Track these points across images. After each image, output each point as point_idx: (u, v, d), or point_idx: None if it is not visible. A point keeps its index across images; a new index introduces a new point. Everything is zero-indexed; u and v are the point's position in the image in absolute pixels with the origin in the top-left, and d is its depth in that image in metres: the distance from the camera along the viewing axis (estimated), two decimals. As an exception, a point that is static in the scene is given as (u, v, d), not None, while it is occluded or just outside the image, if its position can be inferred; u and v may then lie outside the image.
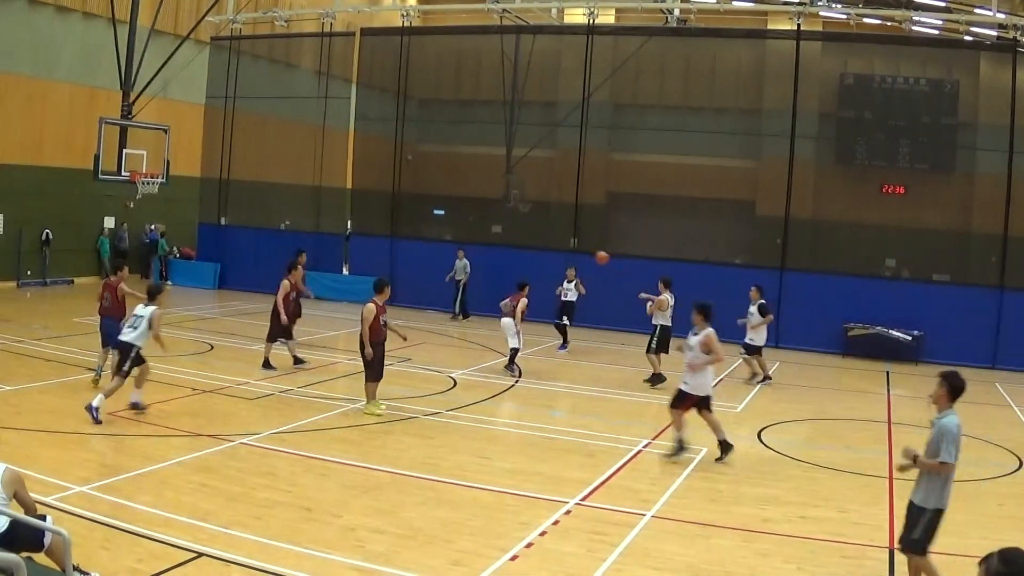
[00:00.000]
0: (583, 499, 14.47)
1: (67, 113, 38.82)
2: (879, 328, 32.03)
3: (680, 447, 17.04)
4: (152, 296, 18.61)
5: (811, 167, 35.68)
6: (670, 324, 24.34)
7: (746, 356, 26.52)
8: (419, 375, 24.34)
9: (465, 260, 35.14)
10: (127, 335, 18.23)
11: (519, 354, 25.44)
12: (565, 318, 29.73)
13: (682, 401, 17.35)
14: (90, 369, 21.36)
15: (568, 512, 13.81)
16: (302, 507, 13.39)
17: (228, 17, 41.52)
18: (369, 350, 19.25)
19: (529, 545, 12.32)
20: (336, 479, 14.95)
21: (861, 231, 35.34)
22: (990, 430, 21.53)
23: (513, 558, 11.83)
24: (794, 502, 15.02)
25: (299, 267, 25.33)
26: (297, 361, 23.99)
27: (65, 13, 38.67)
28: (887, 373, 29.46)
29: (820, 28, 38.83)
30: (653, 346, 24.48)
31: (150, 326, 18.15)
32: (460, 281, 35.09)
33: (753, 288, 26.68)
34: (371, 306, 19.31)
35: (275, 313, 23.99)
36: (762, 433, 19.91)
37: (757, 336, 26.06)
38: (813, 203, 35.61)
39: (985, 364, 30.84)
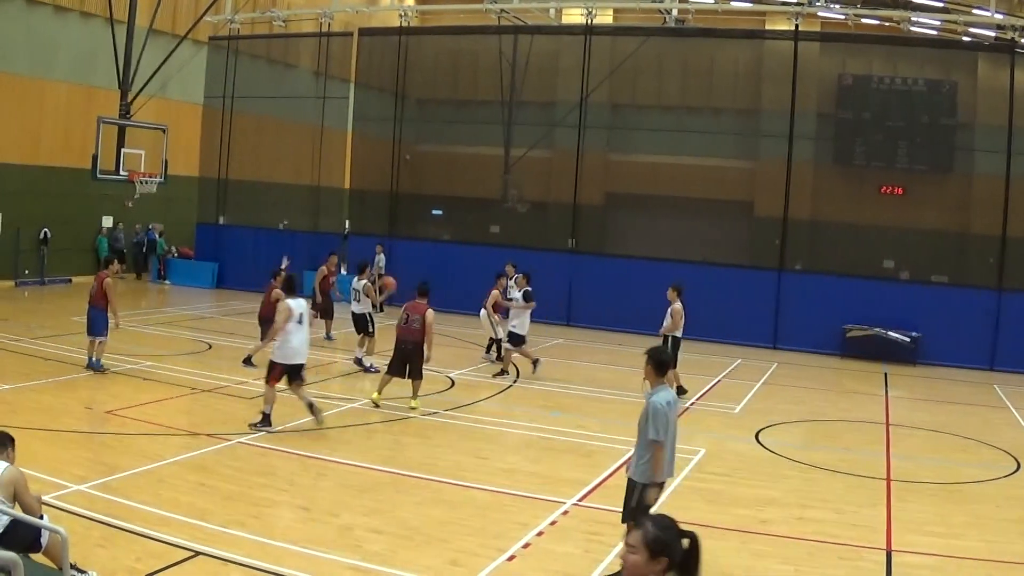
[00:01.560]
0: (580, 499, 14.48)
1: (65, 112, 38.84)
2: (877, 329, 32.04)
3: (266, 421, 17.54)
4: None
5: (809, 168, 35.69)
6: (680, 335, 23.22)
7: (509, 346, 25.31)
8: None
9: (381, 255, 35.63)
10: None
11: (524, 345, 25.44)
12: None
13: (271, 371, 17.82)
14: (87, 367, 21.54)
15: (565, 512, 13.83)
16: (300, 506, 13.46)
17: (226, 17, 41.54)
18: (430, 354, 19.94)
19: (526, 545, 12.34)
20: (334, 478, 14.97)
21: (859, 232, 35.34)
22: (988, 432, 21.60)
23: (510, 558, 11.85)
24: (792, 503, 15.02)
25: (331, 267, 28.27)
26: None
27: (63, 13, 38.71)
28: (885, 374, 29.48)
29: (818, 29, 38.80)
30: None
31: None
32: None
33: (521, 279, 26.18)
34: (431, 311, 19.96)
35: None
36: (760, 434, 19.89)
37: (520, 324, 24.98)
38: (811, 204, 35.62)
39: (983, 366, 30.88)
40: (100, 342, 22.12)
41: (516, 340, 24.93)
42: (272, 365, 17.79)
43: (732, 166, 38.71)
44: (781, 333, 32.61)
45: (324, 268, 27.90)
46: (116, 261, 23.52)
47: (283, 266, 27.55)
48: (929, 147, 36.26)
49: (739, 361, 29.69)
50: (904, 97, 36.39)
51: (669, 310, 23.00)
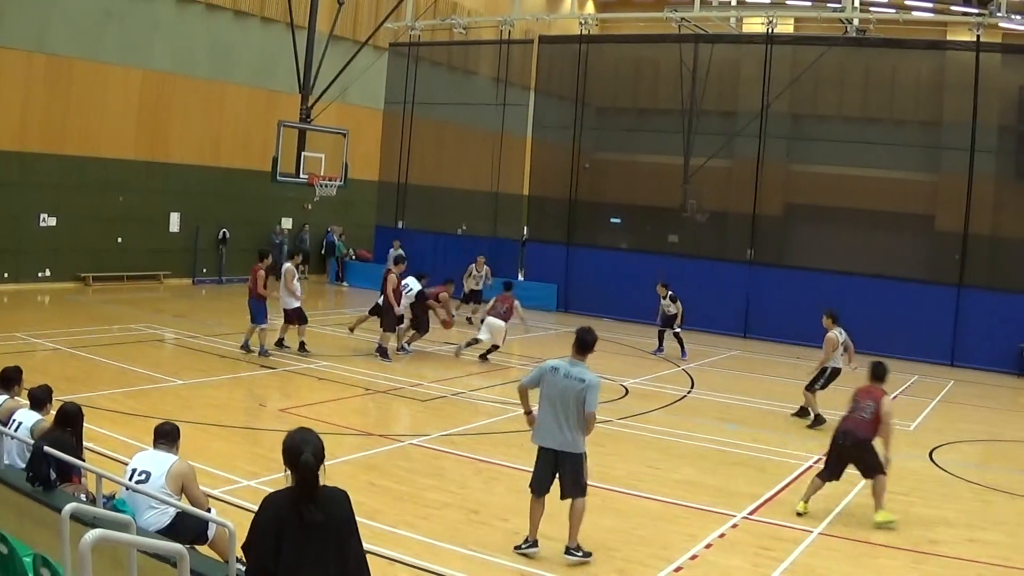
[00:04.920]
0: (751, 513, 14.58)
1: (245, 116, 40.21)
2: (1059, 346, 31.48)
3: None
4: None
5: (991, 181, 35.08)
6: (841, 366, 21.70)
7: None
8: None
9: (400, 251, 34.60)
10: None
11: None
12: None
13: None
14: (262, 365, 22.74)
15: (735, 526, 13.94)
16: (470, 509, 13.79)
17: (407, 24, 42.34)
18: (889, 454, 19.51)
19: (694, 557, 12.50)
20: (505, 483, 15.26)
21: (1040, 248, 34.69)
22: None
23: (677, 569, 12.03)
24: (963, 524, 14.99)
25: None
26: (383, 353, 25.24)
27: (243, 18, 40.12)
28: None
29: (1000, 40, 38.18)
30: (818, 387, 21.60)
31: None
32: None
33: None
34: (888, 398, 19.36)
35: (388, 306, 25.41)
36: (934, 452, 19.80)
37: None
38: (992, 218, 35.02)
39: None
40: (261, 329, 23.20)
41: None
42: None
43: (913, 179, 38.22)
44: (959, 350, 32.14)
45: (394, 276, 26.58)
46: (269, 256, 25.47)
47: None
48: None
49: (915, 377, 29.38)
50: (1089, 109, 35.63)
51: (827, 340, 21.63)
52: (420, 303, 26.66)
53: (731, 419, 21.67)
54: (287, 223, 43.30)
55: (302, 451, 6.73)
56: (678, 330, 29.13)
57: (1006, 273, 34.36)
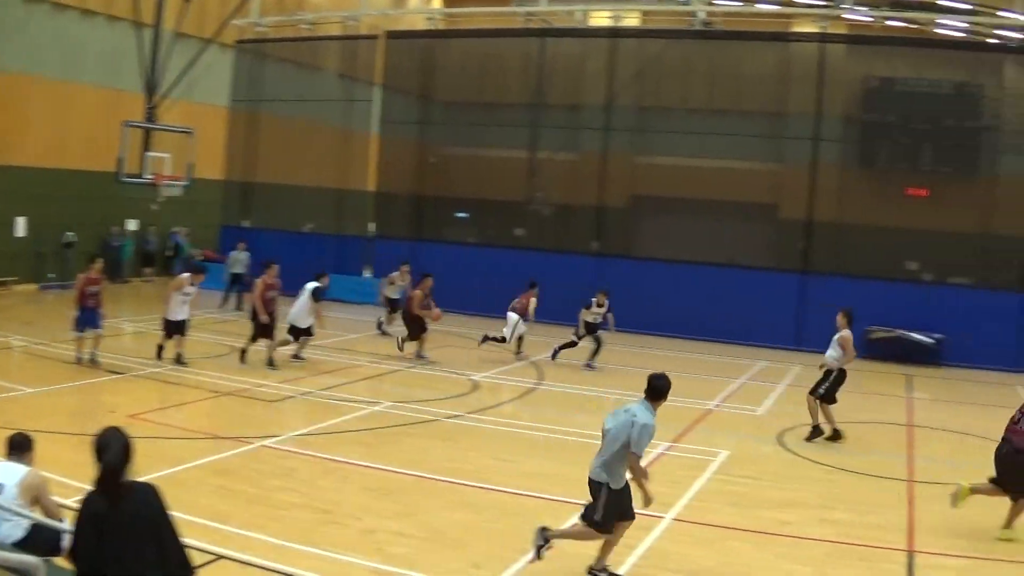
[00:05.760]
0: None
1: (92, 116, 39.00)
2: (900, 331, 32.03)
3: None
4: None
5: (834, 170, 35.63)
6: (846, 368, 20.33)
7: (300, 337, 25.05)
8: (439, 377, 24.46)
9: (246, 252, 34.84)
10: None
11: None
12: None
13: None
14: (110, 371, 21.84)
15: None
16: (322, 509, 13.49)
17: (253, 20, 41.69)
18: None
19: (549, 548, 12.26)
20: (357, 482, 15.03)
21: (883, 234, 35.24)
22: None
23: (533, 560, 11.80)
24: (814, 505, 15.12)
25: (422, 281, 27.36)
26: (270, 363, 23.93)
27: (90, 16, 38.88)
28: (909, 376, 29.46)
29: (844, 31, 38.75)
30: (821, 392, 20.06)
31: None
32: (238, 274, 34.66)
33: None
34: None
35: (254, 313, 24.37)
36: (783, 436, 19.95)
37: (303, 319, 24.63)
38: (836, 206, 35.54)
39: (1007, 367, 30.81)
40: (81, 337, 22.53)
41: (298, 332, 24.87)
42: None
43: (757, 169, 38.61)
44: (804, 335, 32.58)
45: (261, 282, 26.21)
46: (99, 260, 23.88)
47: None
48: (954, 149, 36.16)
49: (762, 363, 29.70)
50: (929, 99, 36.30)
51: (837, 339, 20.41)
52: (401, 307, 26.82)
53: (580, 408, 21.56)
54: (132, 225, 42.20)
55: (104, 451, 6.82)
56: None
57: (849, 259, 34.91)
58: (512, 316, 27.59)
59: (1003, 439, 14.18)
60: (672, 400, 20.89)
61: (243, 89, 43.04)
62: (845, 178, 36.15)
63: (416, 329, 26.38)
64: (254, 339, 24.25)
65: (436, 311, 26.75)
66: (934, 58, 36.79)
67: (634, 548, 12.43)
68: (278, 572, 11.03)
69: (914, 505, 15.39)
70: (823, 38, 34.67)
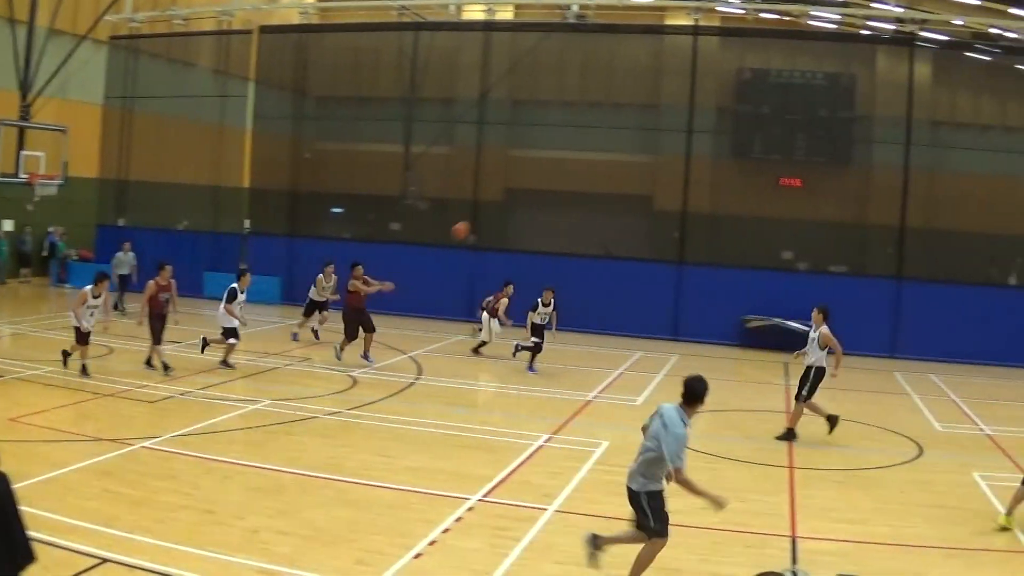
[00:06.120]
0: (486, 495, 14.41)
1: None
2: (777, 320, 32.33)
3: None
4: None
5: (708, 161, 35.98)
6: (825, 365, 20.15)
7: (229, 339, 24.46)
8: (319, 374, 24.15)
9: (131, 253, 34.00)
10: None
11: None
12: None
13: None
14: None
15: (471, 509, 13.75)
16: (205, 510, 13.15)
17: (126, 16, 40.84)
18: None
19: (433, 543, 12.24)
20: (239, 481, 14.71)
21: (758, 224, 35.69)
22: (890, 418, 21.93)
23: (417, 556, 11.74)
24: (697, 493, 15.08)
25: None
26: (165, 368, 23.34)
27: (-38, 14, 37.94)
28: (785, 364, 29.72)
29: (718, 24, 39.02)
30: (804, 393, 19.93)
31: None
32: (125, 275, 33.80)
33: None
34: None
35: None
36: (663, 425, 19.91)
37: (225, 319, 24.10)
38: (711, 197, 35.89)
39: (884, 354, 31.27)
40: None
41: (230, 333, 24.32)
42: None
43: (632, 161, 38.77)
44: (681, 325, 32.87)
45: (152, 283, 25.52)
46: None
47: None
48: (828, 139, 36.73)
49: (640, 354, 29.82)
50: (803, 90, 36.78)
51: (816, 338, 20.28)
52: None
53: (460, 403, 21.46)
54: (8, 225, 41.11)
55: None
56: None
57: (725, 249, 35.23)
58: (484, 316, 27.45)
59: None
60: (551, 391, 21.03)
61: (117, 86, 42.14)
62: (720, 169, 36.51)
63: (352, 330, 25.78)
64: (157, 342, 23.64)
65: (387, 284, 26.11)
66: (807, 49, 37.34)
67: (519, 541, 12.37)
68: (164, 574, 10.72)
69: (795, 491, 15.47)
70: (696, 30, 34.85)
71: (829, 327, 20.08)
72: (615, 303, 33.02)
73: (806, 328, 31.74)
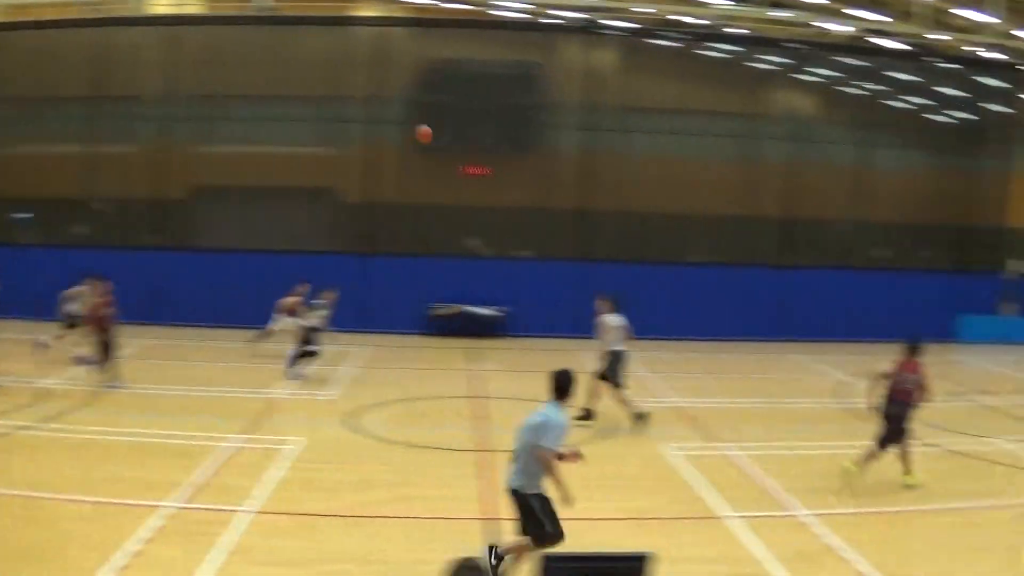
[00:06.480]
0: (185, 501, 14.25)
1: None
2: (462, 306, 33.15)
3: None
4: None
5: (394, 152, 36.33)
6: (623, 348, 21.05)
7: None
8: (3, 388, 22.86)
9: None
10: None
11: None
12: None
13: None
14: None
15: (171, 516, 13.54)
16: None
17: None
18: None
19: (138, 553, 12.00)
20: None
21: (445, 213, 36.37)
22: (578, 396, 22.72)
23: (120, 568, 11.48)
24: (394, 483, 15.58)
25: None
26: None
27: None
28: (470, 350, 30.52)
29: (403, 15, 39.39)
30: (609, 376, 20.87)
31: None
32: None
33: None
34: None
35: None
36: (354, 419, 20.38)
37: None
38: (396, 187, 36.23)
39: (567, 334, 32.31)
40: None
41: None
42: None
43: (319, 153, 38.52)
44: (369, 316, 33.16)
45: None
46: None
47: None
48: (513, 127, 37.49)
49: (329, 347, 30.05)
50: (489, 80, 37.36)
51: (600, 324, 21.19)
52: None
53: (149, 409, 21.10)
54: None
55: None
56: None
57: (412, 238, 35.87)
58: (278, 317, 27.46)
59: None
60: (233, 391, 21.01)
61: None
62: (406, 159, 36.79)
63: (104, 347, 24.57)
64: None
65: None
66: (492, 39, 38.10)
67: (219, 544, 12.36)
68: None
69: (484, 474, 16.10)
70: (382, 21, 35.19)
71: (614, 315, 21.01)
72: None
73: (492, 312, 32.97)
